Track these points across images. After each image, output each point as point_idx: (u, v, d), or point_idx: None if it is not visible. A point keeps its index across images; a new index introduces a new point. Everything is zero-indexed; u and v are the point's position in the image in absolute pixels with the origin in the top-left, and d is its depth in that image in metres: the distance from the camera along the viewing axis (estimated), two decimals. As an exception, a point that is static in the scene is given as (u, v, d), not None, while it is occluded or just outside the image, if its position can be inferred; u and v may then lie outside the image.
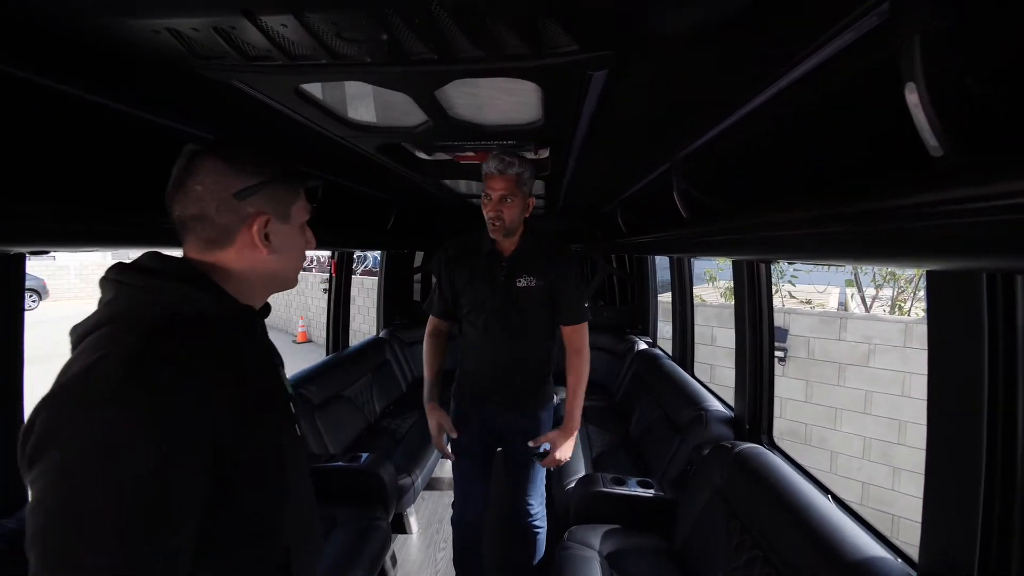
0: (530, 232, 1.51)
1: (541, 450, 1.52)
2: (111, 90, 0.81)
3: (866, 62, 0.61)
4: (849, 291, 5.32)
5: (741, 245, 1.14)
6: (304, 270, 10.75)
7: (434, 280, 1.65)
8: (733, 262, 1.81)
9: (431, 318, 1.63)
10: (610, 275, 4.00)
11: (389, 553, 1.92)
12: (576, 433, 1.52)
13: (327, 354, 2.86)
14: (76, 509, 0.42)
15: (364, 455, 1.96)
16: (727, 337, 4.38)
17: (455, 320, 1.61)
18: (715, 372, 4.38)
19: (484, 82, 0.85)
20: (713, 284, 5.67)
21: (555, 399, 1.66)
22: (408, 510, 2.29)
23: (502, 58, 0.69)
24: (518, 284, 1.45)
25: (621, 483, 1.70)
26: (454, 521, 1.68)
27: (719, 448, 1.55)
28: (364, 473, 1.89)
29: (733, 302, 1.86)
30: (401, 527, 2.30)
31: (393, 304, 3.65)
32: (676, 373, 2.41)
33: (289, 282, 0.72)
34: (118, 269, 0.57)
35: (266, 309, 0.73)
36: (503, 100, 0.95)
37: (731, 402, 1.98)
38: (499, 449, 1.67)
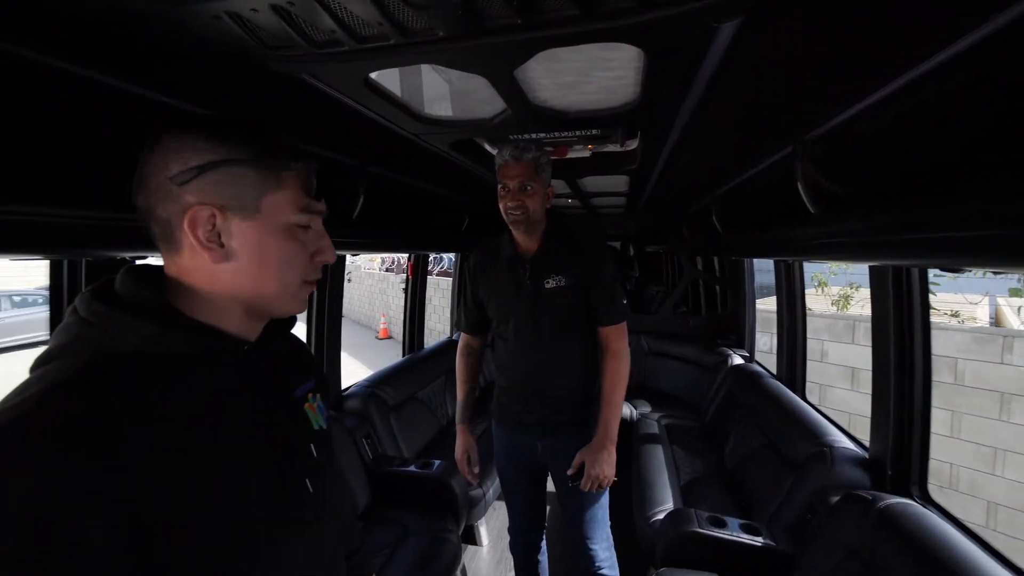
0: (554, 226, 1.33)
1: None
2: (183, 89, 0.80)
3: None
4: (1016, 302, 4.31)
5: (894, 248, 0.89)
6: (388, 271, 11.45)
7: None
8: (871, 267, 1.47)
9: (462, 335, 1.51)
10: (695, 279, 3.63)
11: (460, 566, 1.86)
12: (612, 446, 1.27)
13: (403, 354, 2.91)
14: None
15: (437, 462, 1.92)
16: (841, 353, 3.76)
17: (485, 334, 1.48)
18: (826, 395, 3.78)
19: (572, 55, 0.71)
20: (823, 290, 4.94)
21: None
22: (479, 521, 2.23)
23: (601, 15, 0.55)
24: (546, 286, 1.29)
25: (720, 524, 1.46)
26: (512, 548, 1.56)
27: (853, 499, 1.25)
28: (436, 481, 1.85)
29: (846, 312, 1.51)
30: (472, 538, 2.24)
31: (466, 306, 3.65)
32: (785, 396, 2.06)
33: (272, 305, 0.52)
34: (83, 293, 0.46)
35: (273, 337, 0.57)
36: (593, 78, 0.81)
37: (854, 434, 1.63)
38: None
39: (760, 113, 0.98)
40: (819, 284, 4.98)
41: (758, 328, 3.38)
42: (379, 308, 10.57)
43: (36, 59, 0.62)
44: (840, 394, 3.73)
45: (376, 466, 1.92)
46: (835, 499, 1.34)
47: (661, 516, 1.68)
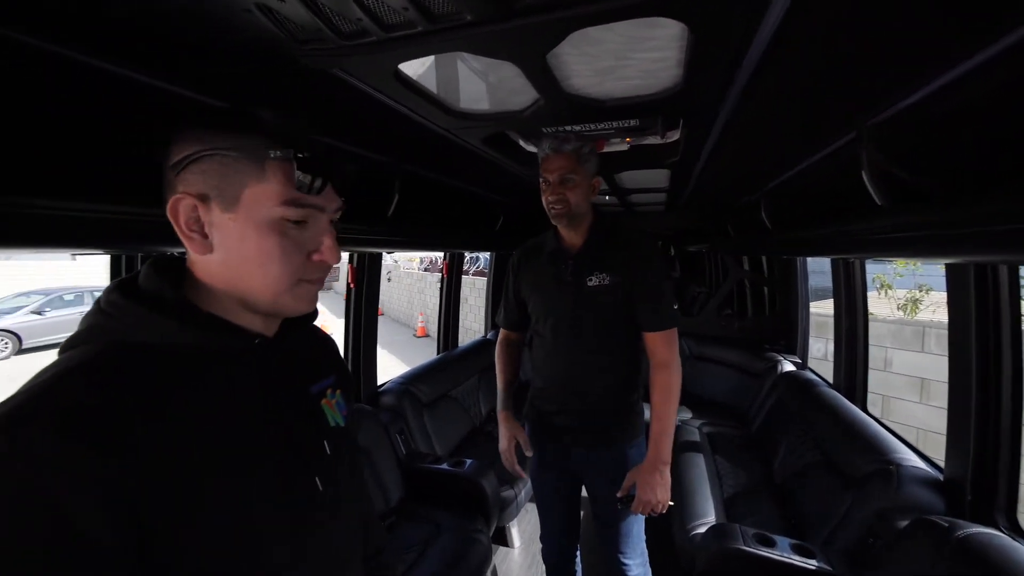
0: (601, 221, 1.26)
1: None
2: (221, 89, 0.82)
3: None
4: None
5: (975, 242, 0.80)
6: (426, 271, 11.69)
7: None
8: (948, 265, 1.32)
9: (502, 330, 1.47)
10: (741, 280, 3.44)
11: (490, 567, 1.84)
12: (666, 468, 1.19)
13: (438, 352, 2.93)
14: None
15: (468, 461, 1.92)
16: (908, 362, 3.43)
17: (524, 331, 1.44)
18: (891, 407, 3.47)
19: (609, 35, 0.67)
20: (886, 293, 4.54)
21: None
22: (511, 523, 2.20)
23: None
24: (588, 283, 1.21)
25: (768, 543, 1.35)
26: (544, 555, 1.51)
27: (925, 525, 1.11)
28: (467, 481, 1.84)
29: (914, 317, 1.35)
30: (503, 540, 2.22)
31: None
32: (842, 407, 1.89)
33: (263, 302, 0.49)
34: (109, 285, 0.48)
35: (295, 332, 0.57)
36: (632, 60, 0.76)
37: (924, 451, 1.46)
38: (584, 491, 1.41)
39: (818, 96, 0.89)
40: (882, 287, 4.58)
41: (811, 333, 3.15)
42: (417, 307, 10.81)
43: (85, 61, 0.65)
44: (907, 407, 3.41)
45: (409, 462, 1.94)
46: (902, 523, 1.20)
47: (702, 530, 1.58)
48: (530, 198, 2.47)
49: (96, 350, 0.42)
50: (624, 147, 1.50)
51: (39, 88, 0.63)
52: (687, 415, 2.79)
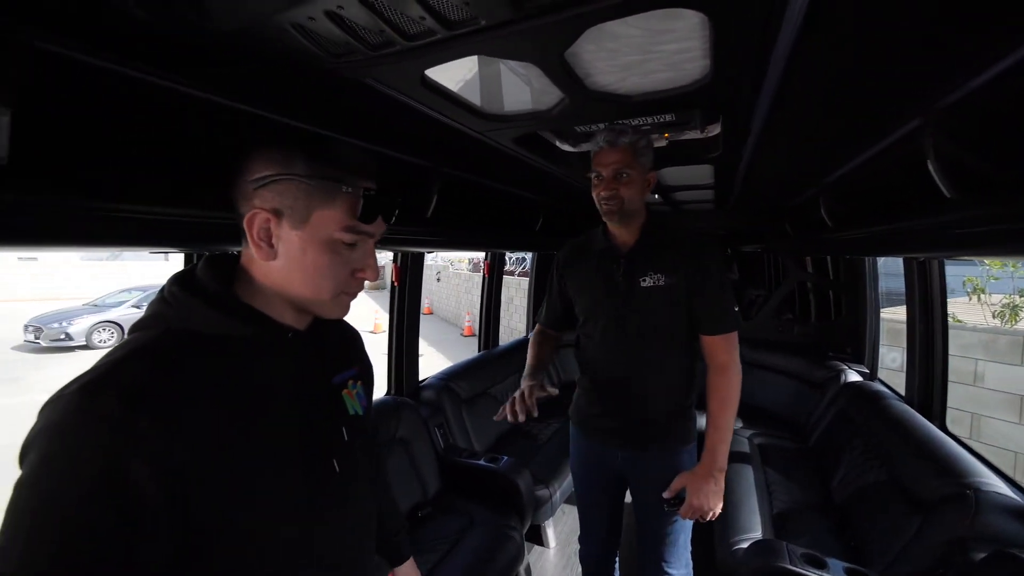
0: (654, 220, 1.21)
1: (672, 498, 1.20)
2: (274, 103, 0.90)
3: None
4: None
5: None
6: (475, 271, 11.94)
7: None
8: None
9: (538, 325, 1.45)
10: (802, 282, 3.19)
11: (523, 564, 1.85)
12: (721, 475, 1.14)
13: (478, 350, 2.99)
14: (8, 539, 0.39)
15: (504, 458, 1.94)
16: (1003, 377, 3.02)
17: (564, 330, 1.41)
18: (982, 427, 3.07)
19: (627, 29, 0.66)
20: (979, 298, 4.02)
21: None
22: (546, 522, 2.20)
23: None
24: (642, 284, 1.16)
25: (819, 564, 1.25)
26: (582, 558, 1.49)
27: (1008, 559, 0.99)
28: (502, 477, 1.86)
29: (1013, 325, 1.19)
30: (538, 539, 2.22)
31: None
32: (915, 423, 1.71)
33: (309, 306, 0.57)
34: (171, 277, 0.55)
35: (318, 329, 0.63)
36: (655, 53, 0.74)
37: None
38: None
39: (869, 81, 0.82)
40: (975, 290, 4.06)
41: (884, 341, 2.87)
42: (465, 306, 11.05)
43: (167, 86, 0.75)
44: (1002, 427, 3.00)
45: (446, 455, 2.00)
46: (979, 555, 1.07)
47: (745, 545, 1.50)
48: (569, 198, 2.47)
49: (157, 335, 0.50)
50: (663, 143, 1.46)
51: (124, 106, 0.74)
52: (737, 424, 2.64)
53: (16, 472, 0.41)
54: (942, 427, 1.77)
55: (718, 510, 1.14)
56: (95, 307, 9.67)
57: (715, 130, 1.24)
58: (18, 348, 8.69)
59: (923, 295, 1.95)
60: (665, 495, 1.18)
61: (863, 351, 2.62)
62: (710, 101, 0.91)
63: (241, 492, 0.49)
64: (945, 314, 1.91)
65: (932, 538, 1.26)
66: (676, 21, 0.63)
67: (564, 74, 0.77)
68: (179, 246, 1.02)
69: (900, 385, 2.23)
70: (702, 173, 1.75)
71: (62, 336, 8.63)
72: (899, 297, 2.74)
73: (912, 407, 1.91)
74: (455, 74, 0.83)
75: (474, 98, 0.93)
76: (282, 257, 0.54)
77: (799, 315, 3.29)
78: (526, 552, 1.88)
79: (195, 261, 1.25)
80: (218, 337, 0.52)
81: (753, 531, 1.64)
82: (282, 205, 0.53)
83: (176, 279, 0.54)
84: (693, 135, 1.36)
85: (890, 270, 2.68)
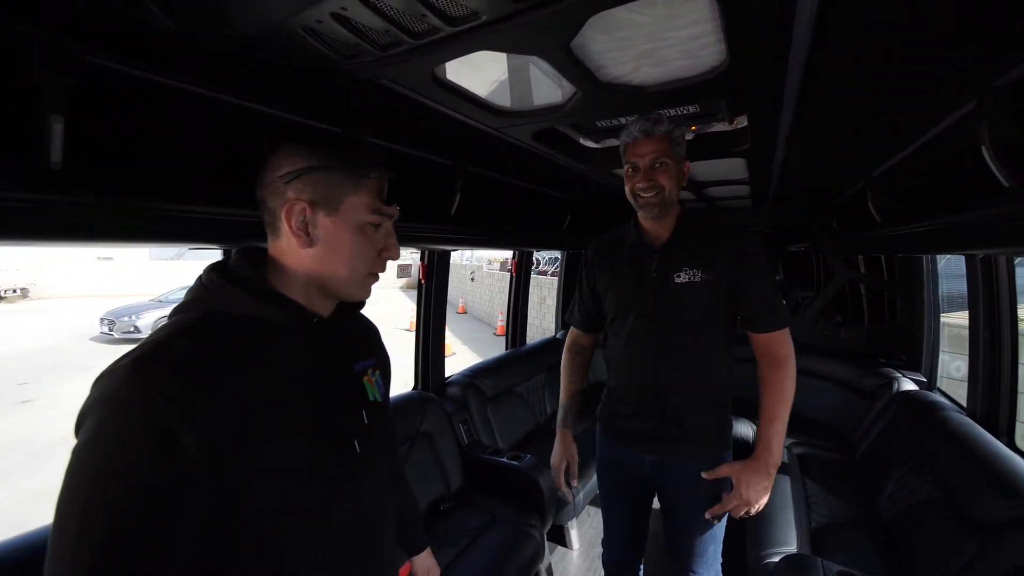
0: (689, 214, 1.16)
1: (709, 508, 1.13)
2: (297, 106, 0.94)
3: None
4: None
5: None
6: (504, 270, 12.00)
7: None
8: None
9: (571, 330, 1.40)
10: (853, 283, 2.98)
11: (544, 564, 1.84)
12: (775, 471, 1.07)
13: (506, 348, 3.00)
14: (68, 501, 0.43)
15: (527, 456, 1.94)
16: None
17: (597, 332, 1.36)
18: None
19: (634, 16, 0.64)
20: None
21: None
22: (570, 523, 2.18)
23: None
24: (676, 280, 1.11)
25: (856, 584, 1.17)
26: (604, 562, 1.45)
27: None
28: (524, 475, 1.86)
29: None
30: (561, 539, 2.20)
31: (572, 305, 3.60)
32: (977, 438, 1.55)
33: (341, 288, 0.62)
34: (209, 265, 0.60)
35: (344, 317, 0.67)
36: (668, 40, 0.72)
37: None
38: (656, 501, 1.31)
39: (909, 63, 0.76)
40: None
41: (946, 348, 2.63)
42: (498, 306, 11.12)
43: (197, 92, 0.80)
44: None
45: (470, 451, 2.02)
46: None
47: (776, 559, 1.42)
48: (596, 195, 2.43)
49: (196, 316, 0.55)
50: (690, 136, 1.41)
51: (159, 112, 0.80)
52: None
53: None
54: (1010, 443, 1.60)
55: (761, 507, 1.09)
56: (159, 302, 10.52)
57: (743, 122, 1.19)
58: (95, 339, 9.60)
59: (988, 296, 1.77)
60: (705, 475, 1.12)
61: (920, 358, 2.41)
62: (730, 89, 0.88)
63: (267, 460, 0.52)
64: (1015, 318, 1.73)
65: (992, 564, 1.15)
66: (683, 4, 0.61)
67: (573, 66, 0.76)
68: (213, 241, 1.08)
69: (964, 397, 2.04)
70: (734, 167, 1.67)
71: (131, 328, 9.45)
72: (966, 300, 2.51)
73: (975, 420, 1.74)
74: (466, 71, 0.84)
75: (487, 94, 0.94)
76: (319, 244, 0.59)
77: (850, 318, 3.07)
78: (547, 552, 1.86)
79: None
80: (250, 319, 0.56)
81: (787, 545, 1.55)
82: (315, 195, 0.57)
83: (213, 267, 0.59)
84: (721, 127, 1.31)
85: (951, 271, 2.45)
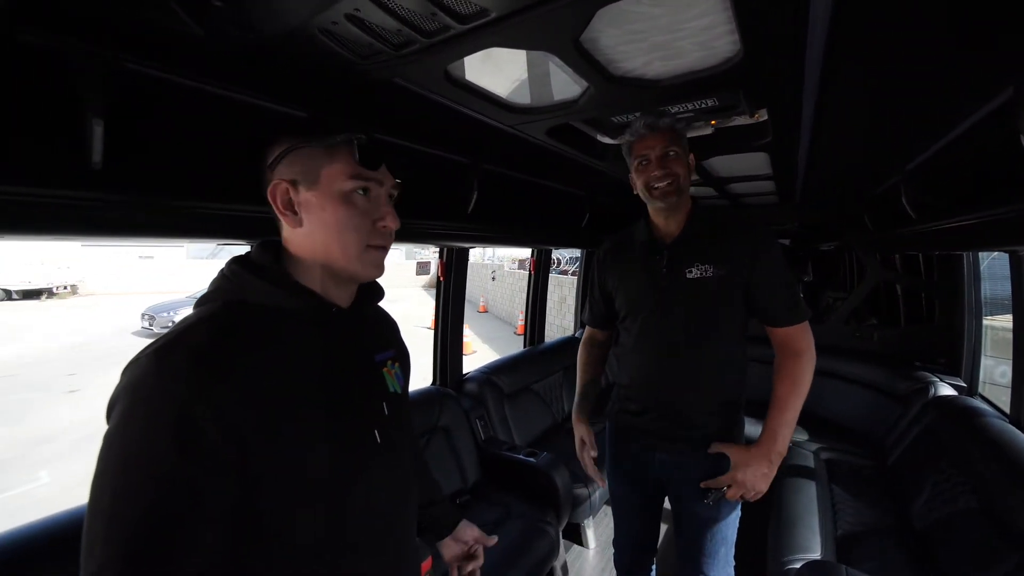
0: (700, 209, 1.14)
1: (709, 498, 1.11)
2: (312, 104, 0.97)
3: None
4: None
5: None
6: (521, 269, 12.00)
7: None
8: None
9: (587, 328, 1.41)
10: (888, 282, 2.85)
11: (559, 561, 1.84)
12: (778, 460, 1.05)
13: (524, 347, 3.01)
14: (100, 485, 0.46)
15: (543, 453, 1.94)
16: None
17: (611, 328, 1.36)
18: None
19: (644, 8, 0.64)
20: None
21: None
22: (586, 522, 2.17)
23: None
24: (687, 275, 1.10)
25: (882, 593, 1.12)
26: (616, 563, 1.44)
27: None
28: (540, 472, 1.87)
29: None
30: (578, 538, 2.20)
31: (591, 304, 3.58)
32: (1020, 446, 1.47)
33: (343, 266, 0.61)
34: (232, 258, 0.61)
35: (364, 308, 0.68)
36: (679, 34, 0.71)
37: None
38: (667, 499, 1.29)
39: (941, 47, 0.72)
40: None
41: (990, 352, 2.48)
42: (519, 305, 11.14)
43: (222, 94, 0.84)
44: None
45: (486, 447, 2.04)
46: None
47: (798, 565, 1.38)
48: (616, 192, 2.40)
49: (217, 306, 0.56)
50: (709, 130, 1.38)
51: (189, 114, 0.84)
52: (802, 436, 2.42)
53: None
54: (1058, 453, 1.50)
55: (762, 494, 1.07)
56: (195, 299, 11.01)
57: (765, 115, 1.16)
58: (136, 333, 10.14)
59: (1034, 298, 1.66)
60: (703, 485, 1.10)
61: (960, 362, 2.29)
62: (747, 80, 0.86)
63: (285, 446, 0.53)
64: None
65: (1032, 579, 1.08)
66: (693, -4, 0.60)
67: (584, 61, 0.76)
68: (241, 237, 1.13)
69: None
70: (757, 162, 1.63)
71: (169, 323, 9.92)
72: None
73: (1018, 428, 1.64)
74: (479, 69, 0.85)
75: (499, 91, 0.95)
76: (307, 221, 0.59)
77: (885, 319, 2.94)
78: (563, 549, 1.87)
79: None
80: (268, 308, 0.57)
81: (810, 551, 1.50)
82: (294, 173, 0.59)
83: (234, 259, 0.61)
84: (742, 120, 1.28)
85: (996, 272, 2.31)
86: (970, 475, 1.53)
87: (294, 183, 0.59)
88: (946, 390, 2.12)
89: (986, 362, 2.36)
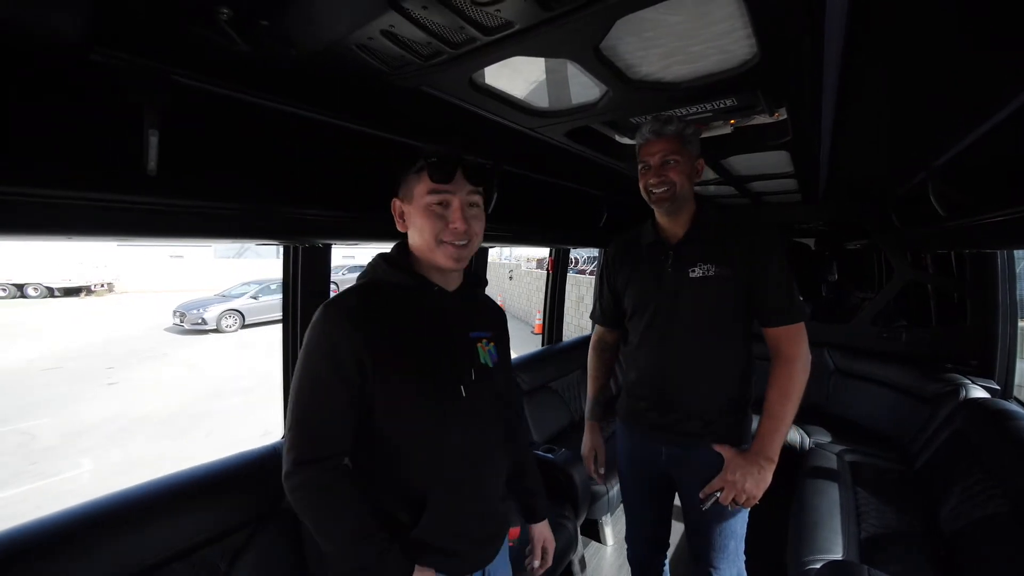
0: (704, 210, 1.16)
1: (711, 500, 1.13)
2: (339, 111, 1.04)
3: None
4: None
5: None
6: (539, 268, 11.99)
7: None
8: None
9: (596, 328, 1.44)
10: (919, 283, 2.77)
11: (577, 556, 1.87)
12: (768, 465, 1.07)
13: (541, 346, 3.04)
14: (297, 379, 0.75)
15: (561, 450, 1.97)
16: None
17: (620, 329, 1.38)
18: None
19: (663, 16, 0.67)
20: None
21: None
22: (604, 518, 2.19)
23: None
24: (691, 274, 1.12)
25: (905, 595, 1.11)
26: (629, 558, 1.46)
27: None
28: (557, 468, 1.89)
29: None
30: (595, 534, 2.22)
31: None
32: (1054, 449, 1.43)
33: (428, 257, 0.81)
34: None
35: (465, 296, 0.88)
36: (697, 38, 0.73)
37: None
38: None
39: (968, 40, 0.72)
40: None
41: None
42: (536, 304, 11.16)
43: (267, 105, 0.90)
44: None
45: (505, 442, 2.07)
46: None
47: (818, 566, 1.37)
48: (633, 193, 2.39)
49: (365, 281, 0.84)
50: (728, 129, 1.39)
51: (237, 124, 0.91)
52: (824, 438, 2.38)
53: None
54: (1097, 458, 1.45)
55: (756, 498, 1.08)
56: (223, 297, 11.39)
57: (784, 113, 1.16)
58: (168, 330, 10.56)
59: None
60: (702, 495, 1.13)
61: (993, 363, 2.21)
62: (765, 81, 0.87)
63: (391, 385, 0.76)
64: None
65: (1064, 584, 1.06)
66: (709, 3, 0.62)
67: (603, 66, 0.79)
68: (276, 238, 1.20)
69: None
70: (778, 160, 1.62)
71: (199, 321, 10.31)
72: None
73: (1055, 432, 1.58)
74: (501, 75, 0.89)
75: (521, 95, 0.98)
76: (410, 226, 0.83)
77: (915, 320, 2.85)
78: (581, 545, 1.89)
79: (286, 255, 1.46)
80: (393, 286, 0.82)
81: (832, 552, 1.48)
82: (404, 193, 0.83)
83: (380, 254, 0.85)
84: (762, 119, 1.28)
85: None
86: (1002, 479, 1.49)
87: (403, 200, 0.83)
88: (978, 392, 2.06)
89: (1021, 365, 2.27)
